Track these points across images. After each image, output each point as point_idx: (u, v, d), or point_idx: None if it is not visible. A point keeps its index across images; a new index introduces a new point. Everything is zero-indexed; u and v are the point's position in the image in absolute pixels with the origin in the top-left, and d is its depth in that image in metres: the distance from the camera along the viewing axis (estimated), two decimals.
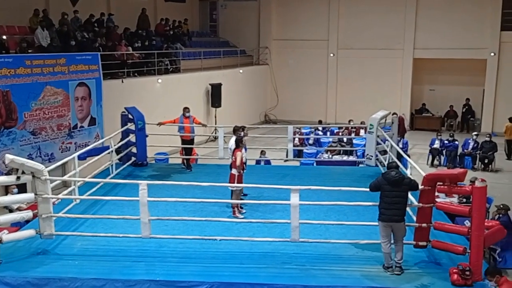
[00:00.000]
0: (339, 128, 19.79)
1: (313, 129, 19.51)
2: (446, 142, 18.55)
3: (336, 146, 17.32)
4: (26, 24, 16.70)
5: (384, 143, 13.17)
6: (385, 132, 13.15)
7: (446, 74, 24.95)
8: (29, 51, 15.09)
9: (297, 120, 24.22)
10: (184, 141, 13.60)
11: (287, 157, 15.00)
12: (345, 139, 17.82)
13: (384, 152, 13.03)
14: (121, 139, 13.12)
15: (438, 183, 7.96)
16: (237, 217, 9.67)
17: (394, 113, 14.51)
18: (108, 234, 8.61)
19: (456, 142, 18.50)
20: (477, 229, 7.47)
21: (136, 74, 18.59)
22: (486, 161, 17.84)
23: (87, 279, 7.53)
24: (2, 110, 13.13)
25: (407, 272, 7.71)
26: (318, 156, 17.28)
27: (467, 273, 7.24)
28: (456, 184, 7.93)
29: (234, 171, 9.87)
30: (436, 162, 18.48)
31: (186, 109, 13.24)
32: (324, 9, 26.02)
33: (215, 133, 16.25)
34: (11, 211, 10.10)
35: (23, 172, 8.15)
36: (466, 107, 24.58)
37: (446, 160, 18.29)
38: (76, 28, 17.62)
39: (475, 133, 19.33)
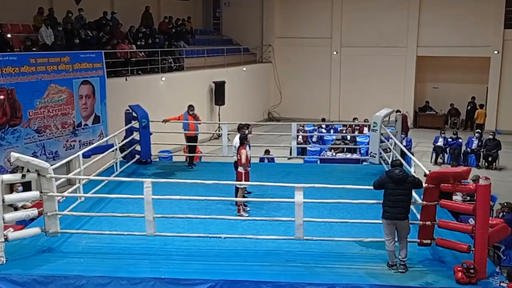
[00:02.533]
0: (343, 126, 19.80)
1: (316, 127, 19.52)
2: (449, 140, 18.53)
3: (339, 144, 17.31)
4: (31, 22, 16.75)
5: (388, 141, 13.17)
6: (388, 130, 13.14)
7: (450, 72, 24.89)
8: (33, 49, 15.11)
9: (300, 118, 24.06)
10: (188, 138, 13.62)
11: (290, 155, 15.01)
12: (348, 137, 17.83)
13: (387, 150, 13.03)
14: (125, 137, 13.15)
15: (442, 181, 7.97)
16: (241, 215, 9.69)
17: (397, 111, 14.50)
18: (113, 232, 8.66)
19: (460, 140, 18.48)
20: (481, 227, 7.47)
21: (139, 72, 18.60)
22: (490, 159, 17.82)
23: (92, 276, 7.56)
24: (7, 108, 13.17)
25: (411, 270, 7.71)
26: (322, 154, 17.29)
27: (472, 271, 7.24)
28: (460, 182, 7.93)
29: (240, 169, 9.90)
30: (439, 160, 18.47)
31: (191, 107, 13.27)
32: (327, 7, 26.00)
33: (219, 131, 16.30)
34: (16, 209, 10.11)
35: (28, 170, 8.17)
36: (471, 105, 24.49)
37: (450, 158, 18.28)
38: (80, 26, 17.66)
39: (478, 131, 19.29)
